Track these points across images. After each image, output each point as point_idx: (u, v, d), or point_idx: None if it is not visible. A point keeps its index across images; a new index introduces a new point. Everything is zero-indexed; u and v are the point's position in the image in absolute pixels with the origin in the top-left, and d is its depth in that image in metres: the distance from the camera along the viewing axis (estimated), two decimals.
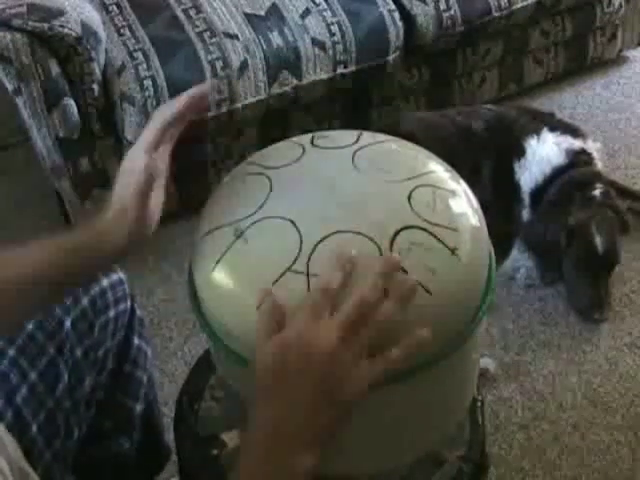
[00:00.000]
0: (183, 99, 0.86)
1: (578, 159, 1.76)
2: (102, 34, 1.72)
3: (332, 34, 1.86)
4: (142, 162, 0.82)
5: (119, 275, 1.07)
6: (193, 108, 0.87)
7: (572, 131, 1.81)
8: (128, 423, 1.15)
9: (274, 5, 1.87)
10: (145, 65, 1.74)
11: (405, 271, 0.75)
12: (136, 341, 1.11)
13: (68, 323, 0.98)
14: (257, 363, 0.70)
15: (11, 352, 0.94)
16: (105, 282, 1.03)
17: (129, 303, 1.09)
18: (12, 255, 0.79)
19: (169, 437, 1.22)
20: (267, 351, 0.69)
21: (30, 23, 1.58)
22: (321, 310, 0.69)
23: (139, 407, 1.14)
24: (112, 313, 1.04)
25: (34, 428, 0.93)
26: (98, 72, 1.70)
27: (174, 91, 1.74)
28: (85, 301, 1.00)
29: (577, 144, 1.78)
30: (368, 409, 0.80)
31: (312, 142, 0.90)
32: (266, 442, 0.69)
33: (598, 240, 1.67)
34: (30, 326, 0.96)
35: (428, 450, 0.94)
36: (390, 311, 0.70)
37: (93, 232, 0.80)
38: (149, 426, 1.20)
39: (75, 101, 1.69)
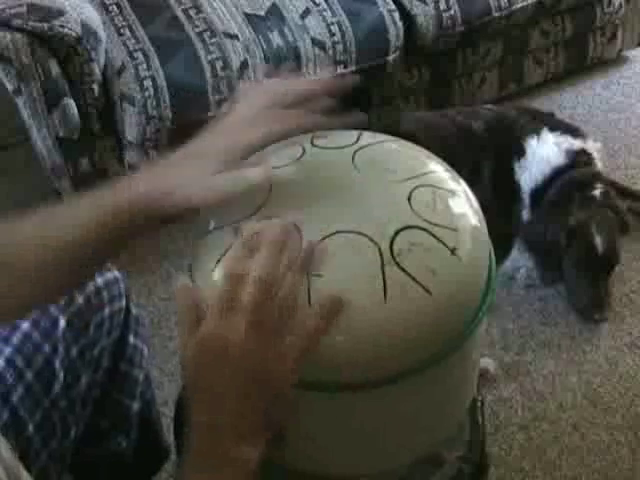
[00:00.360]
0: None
1: (578, 159, 1.76)
2: (102, 34, 1.72)
3: (332, 34, 1.86)
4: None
5: (114, 273, 1.07)
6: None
7: (572, 131, 1.81)
8: (125, 422, 1.14)
9: (274, 5, 1.87)
10: (145, 65, 1.74)
11: (405, 271, 0.75)
12: (132, 339, 1.11)
13: (63, 322, 0.98)
14: (181, 363, 0.70)
15: (7, 351, 0.94)
16: (100, 280, 1.03)
17: (124, 301, 1.08)
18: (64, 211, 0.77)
19: (169, 437, 1.21)
20: (188, 350, 0.68)
21: (30, 23, 1.58)
22: (229, 301, 0.67)
23: (136, 406, 1.14)
24: (107, 311, 1.04)
25: (30, 428, 0.93)
26: (98, 72, 1.70)
27: (174, 91, 1.74)
28: (80, 299, 1.00)
29: (577, 144, 1.78)
30: (368, 409, 0.80)
31: (312, 142, 0.90)
32: (202, 440, 0.68)
33: (598, 240, 1.67)
34: (25, 325, 0.96)
35: (428, 450, 0.94)
36: (292, 283, 0.69)
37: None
38: (146, 425, 1.19)
39: (75, 101, 1.69)
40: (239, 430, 0.68)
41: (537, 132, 1.77)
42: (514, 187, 1.78)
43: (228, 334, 0.67)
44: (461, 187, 0.87)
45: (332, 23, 1.86)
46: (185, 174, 0.73)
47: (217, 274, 0.78)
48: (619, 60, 2.46)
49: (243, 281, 0.68)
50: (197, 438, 0.68)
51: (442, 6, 1.96)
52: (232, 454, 0.67)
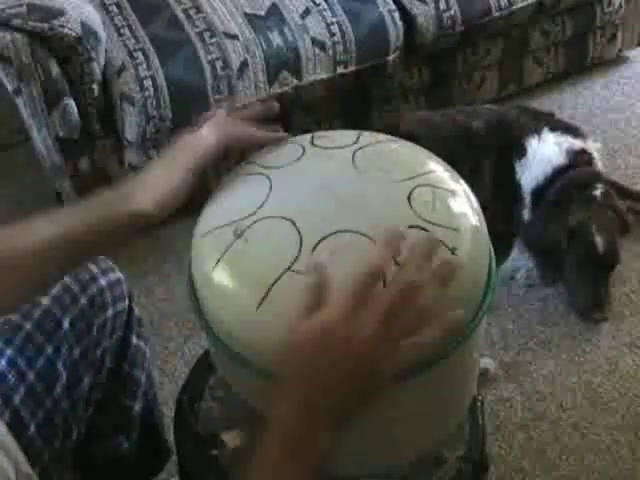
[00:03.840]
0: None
1: (578, 159, 1.76)
2: (102, 34, 1.72)
3: (332, 34, 1.86)
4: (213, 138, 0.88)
5: (117, 274, 1.07)
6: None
7: (572, 131, 1.81)
8: (127, 423, 1.15)
9: (274, 5, 1.87)
10: (145, 65, 1.74)
11: None
12: (134, 340, 1.11)
13: (66, 323, 0.98)
14: (290, 340, 0.69)
15: (9, 352, 0.94)
16: (103, 281, 1.03)
17: (127, 302, 1.09)
18: (42, 221, 0.83)
19: (169, 437, 1.22)
20: (304, 329, 0.68)
21: (30, 23, 1.58)
22: (364, 294, 0.68)
23: (138, 406, 1.14)
24: (110, 312, 1.04)
25: (32, 428, 0.93)
26: (98, 72, 1.70)
27: (174, 91, 1.74)
28: (83, 300, 1.00)
29: (577, 144, 1.78)
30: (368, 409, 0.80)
31: (312, 142, 0.90)
32: (290, 420, 0.67)
33: (598, 240, 1.67)
34: (28, 326, 0.96)
35: (428, 450, 0.94)
36: (431, 294, 0.69)
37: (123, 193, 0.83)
38: (148, 426, 1.19)
39: (75, 101, 1.69)
40: (333, 415, 0.68)
41: (537, 132, 1.77)
42: (514, 187, 1.78)
43: (355, 327, 0.66)
44: (461, 187, 0.87)
45: (332, 23, 1.86)
46: (159, 187, 0.84)
47: (217, 274, 0.78)
48: (619, 60, 2.46)
49: (382, 280, 0.68)
50: (288, 414, 0.67)
51: (442, 6, 1.96)
52: (313, 441, 0.67)
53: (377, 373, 0.68)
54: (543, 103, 2.24)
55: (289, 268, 0.76)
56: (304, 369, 0.68)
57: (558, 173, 1.75)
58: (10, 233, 0.82)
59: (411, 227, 0.78)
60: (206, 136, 0.88)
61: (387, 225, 0.76)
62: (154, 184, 0.84)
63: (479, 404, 1.07)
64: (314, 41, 1.84)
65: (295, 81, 1.85)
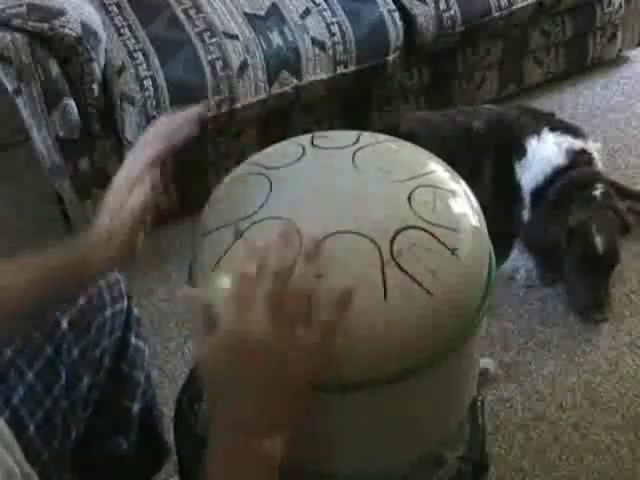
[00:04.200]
0: (179, 117, 0.89)
1: (578, 159, 1.76)
2: (102, 34, 1.72)
3: (332, 34, 1.86)
4: (141, 187, 0.85)
5: (115, 274, 1.07)
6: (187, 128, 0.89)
7: (572, 131, 1.81)
8: (126, 423, 1.15)
9: (274, 5, 1.87)
10: (145, 65, 1.74)
11: (405, 271, 0.75)
12: (133, 340, 1.11)
13: (65, 323, 0.98)
14: (199, 366, 0.71)
15: (8, 352, 0.94)
16: (102, 282, 1.03)
17: (126, 302, 1.09)
18: None
19: (169, 437, 1.22)
20: (204, 352, 0.70)
21: (30, 23, 1.58)
22: (245, 299, 0.69)
23: (136, 406, 1.14)
24: (109, 312, 1.04)
25: (31, 428, 0.93)
26: (98, 72, 1.70)
27: (174, 91, 1.74)
28: (82, 301, 1.00)
29: (577, 144, 1.78)
30: (368, 409, 0.80)
31: (312, 142, 0.90)
32: (226, 437, 0.69)
33: (598, 240, 1.67)
34: None
35: (428, 450, 0.94)
36: (301, 273, 0.70)
37: (77, 254, 0.85)
38: (147, 426, 1.19)
39: (75, 101, 1.69)
40: (262, 424, 0.69)
41: (537, 132, 1.77)
42: (514, 187, 1.78)
43: (248, 328, 0.67)
44: (461, 187, 0.87)
45: (332, 23, 1.86)
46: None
47: (225, 278, 0.78)
48: (619, 60, 2.46)
49: (255, 278, 0.69)
50: (220, 435, 0.69)
51: (442, 6, 1.96)
52: (256, 449, 0.68)
53: (286, 370, 0.68)
54: (543, 103, 2.24)
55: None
56: (217, 383, 0.69)
57: (558, 173, 1.75)
58: None
59: (411, 227, 0.78)
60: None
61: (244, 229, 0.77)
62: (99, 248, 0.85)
63: (479, 404, 1.07)
64: (314, 41, 1.84)
65: (295, 81, 1.85)
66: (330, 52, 1.86)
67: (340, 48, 1.86)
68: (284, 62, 1.83)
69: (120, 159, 1.85)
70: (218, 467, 0.69)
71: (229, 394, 0.69)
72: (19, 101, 1.67)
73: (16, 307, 0.84)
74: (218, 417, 0.70)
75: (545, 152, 1.76)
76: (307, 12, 1.87)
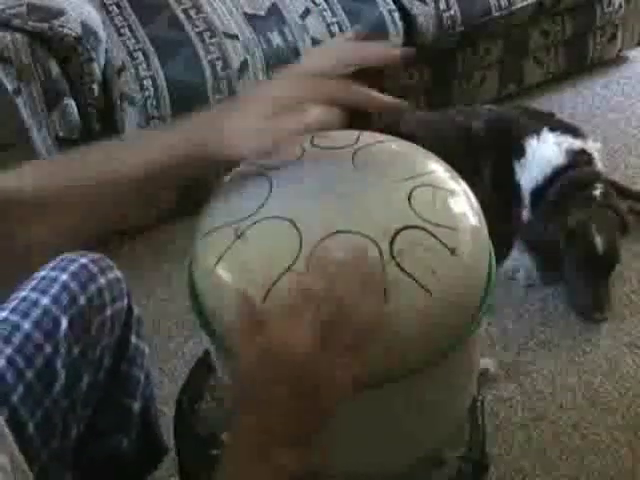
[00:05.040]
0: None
1: (578, 159, 1.76)
2: (102, 34, 1.72)
3: (332, 34, 1.86)
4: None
5: (116, 273, 1.07)
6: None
7: (572, 131, 1.81)
8: (126, 422, 1.14)
9: (274, 5, 1.87)
10: (145, 65, 1.74)
11: (405, 271, 0.75)
12: (133, 340, 1.11)
13: (65, 322, 0.98)
14: (239, 366, 0.70)
15: (7, 351, 0.94)
16: (102, 280, 1.03)
17: (126, 301, 1.08)
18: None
19: (169, 436, 1.22)
20: (248, 354, 0.69)
21: (30, 23, 1.58)
22: (301, 311, 0.68)
23: (136, 406, 1.14)
24: (109, 312, 1.04)
25: (31, 427, 0.93)
26: (98, 72, 1.70)
27: (174, 91, 1.74)
28: (82, 300, 1.00)
29: (577, 144, 1.78)
30: (368, 409, 0.80)
31: (312, 142, 0.90)
32: (249, 444, 0.69)
33: (598, 240, 1.67)
34: (27, 325, 0.96)
35: (428, 450, 0.94)
36: (372, 309, 0.70)
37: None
38: (146, 424, 1.19)
39: (75, 101, 1.69)
40: (286, 440, 0.68)
41: (537, 132, 1.77)
42: (514, 187, 1.78)
43: (296, 341, 0.67)
44: (461, 187, 0.87)
45: (332, 23, 1.86)
46: (239, 123, 0.78)
47: (217, 274, 0.78)
48: (619, 60, 2.46)
49: (315, 297, 0.69)
50: (243, 437, 0.69)
51: (442, 6, 1.96)
52: (273, 457, 0.67)
53: (323, 390, 0.68)
54: (543, 103, 2.24)
55: (289, 268, 0.76)
56: (252, 386, 0.69)
57: (558, 173, 1.74)
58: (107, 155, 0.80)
59: (411, 227, 0.78)
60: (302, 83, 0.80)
61: (318, 242, 0.75)
62: (240, 131, 0.78)
63: (479, 404, 1.07)
64: (314, 41, 1.84)
65: None
66: None
67: None
68: (284, 62, 1.82)
69: None
70: (232, 465, 0.69)
71: (262, 399, 0.68)
72: (19, 101, 1.67)
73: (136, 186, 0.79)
74: (244, 417, 0.69)
75: (545, 152, 1.76)
76: (307, 12, 1.87)
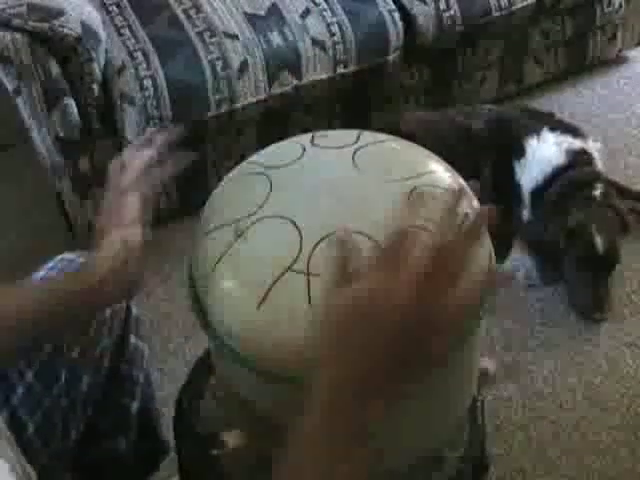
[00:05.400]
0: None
1: (578, 159, 1.76)
2: (102, 34, 1.72)
3: (332, 34, 1.86)
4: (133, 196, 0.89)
5: None
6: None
7: (572, 131, 1.81)
8: (125, 422, 1.14)
9: (274, 5, 1.87)
10: (145, 65, 1.74)
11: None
12: (132, 340, 1.11)
13: None
14: (323, 316, 0.66)
15: None
16: None
17: (125, 302, 1.09)
18: (13, 294, 0.88)
19: (169, 436, 1.21)
20: (336, 303, 0.65)
21: (30, 23, 1.58)
22: (397, 257, 0.65)
23: (135, 406, 1.14)
24: (108, 312, 1.04)
25: (31, 428, 0.93)
26: (98, 72, 1.70)
27: (174, 91, 1.74)
28: None
29: (577, 144, 1.78)
30: None
31: (312, 142, 0.90)
32: (330, 398, 0.63)
33: (598, 240, 1.67)
34: None
35: (428, 450, 0.94)
36: (464, 251, 0.66)
37: (86, 284, 0.87)
38: (146, 424, 1.19)
39: (75, 101, 1.69)
40: (374, 385, 0.64)
41: (537, 132, 1.77)
42: (514, 187, 1.78)
43: (395, 292, 0.63)
44: (461, 187, 0.87)
45: (332, 23, 1.86)
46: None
47: (217, 274, 0.78)
48: (619, 60, 2.46)
49: (413, 239, 0.65)
50: (323, 396, 0.64)
51: (442, 6, 1.96)
52: (357, 414, 0.63)
53: (424, 341, 0.64)
54: (543, 103, 2.24)
55: (289, 268, 0.76)
56: (347, 341, 0.64)
57: (558, 173, 1.74)
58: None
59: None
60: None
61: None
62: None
63: (479, 404, 1.07)
64: (314, 41, 1.84)
65: (295, 81, 1.85)
66: (330, 52, 1.86)
67: (340, 48, 1.86)
68: (284, 62, 1.83)
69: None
70: (311, 424, 0.63)
71: (351, 349, 0.64)
72: (19, 101, 1.67)
73: (17, 329, 0.85)
74: (329, 368, 0.64)
75: (545, 152, 1.76)
76: (307, 12, 1.87)
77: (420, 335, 0.64)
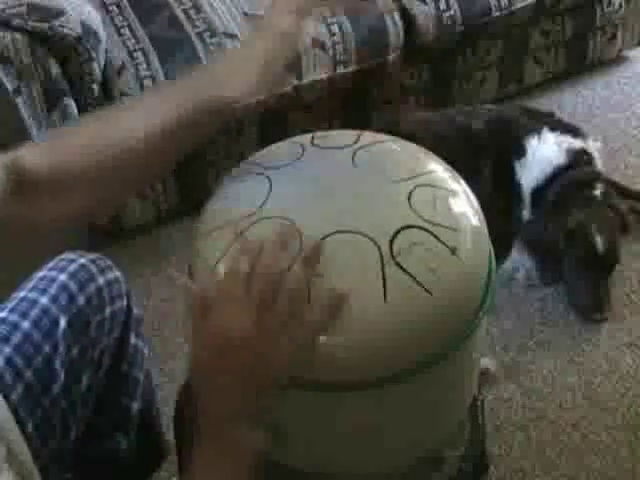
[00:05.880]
0: None
1: (578, 159, 1.76)
2: (102, 34, 1.72)
3: (332, 34, 1.86)
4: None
5: (115, 273, 1.06)
6: None
7: (572, 131, 1.81)
8: (125, 422, 1.14)
9: None
10: (145, 65, 1.74)
11: (405, 271, 0.75)
12: (133, 339, 1.11)
13: (64, 322, 0.98)
14: (189, 353, 0.74)
15: (6, 351, 0.94)
16: (101, 280, 1.03)
17: (125, 301, 1.08)
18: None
19: (169, 436, 1.21)
20: (195, 340, 0.73)
21: (30, 23, 1.58)
22: (235, 294, 0.71)
23: (136, 406, 1.14)
24: (108, 311, 1.04)
25: (30, 428, 0.93)
26: (98, 72, 1.70)
27: None
28: (81, 299, 1.00)
29: (577, 144, 1.78)
30: (369, 409, 0.80)
31: (312, 142, 0.90)
32: (207, 425, 0.73)
33: (598, 240, 1.67)
34: (26, 324, 0.96)
35: (428, 450, 0.94)
36: (297, 278, 0.72)
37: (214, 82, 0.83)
38: (146, 425, 1.19)
39: (75, 101, 1.69)
40: (239, 415, 0.72)
41: (537, 132, 1.77)
42: (514, 187, 1.78)
43: (233, 324, 0.70)
44: (461, 187, 0.87)
45: (332, 23, 1.86)
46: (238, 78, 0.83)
47: (220, 272, 0.78)
48: (619, 60, 2.46)
49: (247, 277, 0.71)
50: (201, 424, 0.73)
51: (442, 6, 1.96)
52: (232, 439, 0.72)
53: (267, 365, 0.72)
54: (543, 103, 2.24)
55: (289, 268, 0.76)
56: (203, 373, 0.73)
57: (558, 173, 1.74)
58: (104, 122, 0.83)
59: (411, 227, 0.78)
60: (279, 23, 0.86)
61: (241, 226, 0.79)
62: (237, 73, 0.83)
63: (479, 404, 1.07)
64: (314, 41, 1.84)
65: (295, 81, 1.85)
66: (330, 52, 1.86)
67: (340, 48, 1.86)
68: None
69: None
70: (199, 458, 0.73)
71: (213, 384, 0.72)
72: (19, 101, 1.67)
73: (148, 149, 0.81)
74: (201, 407, 0.73)
75: (545, 152, 1.76)
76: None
77: (260, 365, 0.72)
